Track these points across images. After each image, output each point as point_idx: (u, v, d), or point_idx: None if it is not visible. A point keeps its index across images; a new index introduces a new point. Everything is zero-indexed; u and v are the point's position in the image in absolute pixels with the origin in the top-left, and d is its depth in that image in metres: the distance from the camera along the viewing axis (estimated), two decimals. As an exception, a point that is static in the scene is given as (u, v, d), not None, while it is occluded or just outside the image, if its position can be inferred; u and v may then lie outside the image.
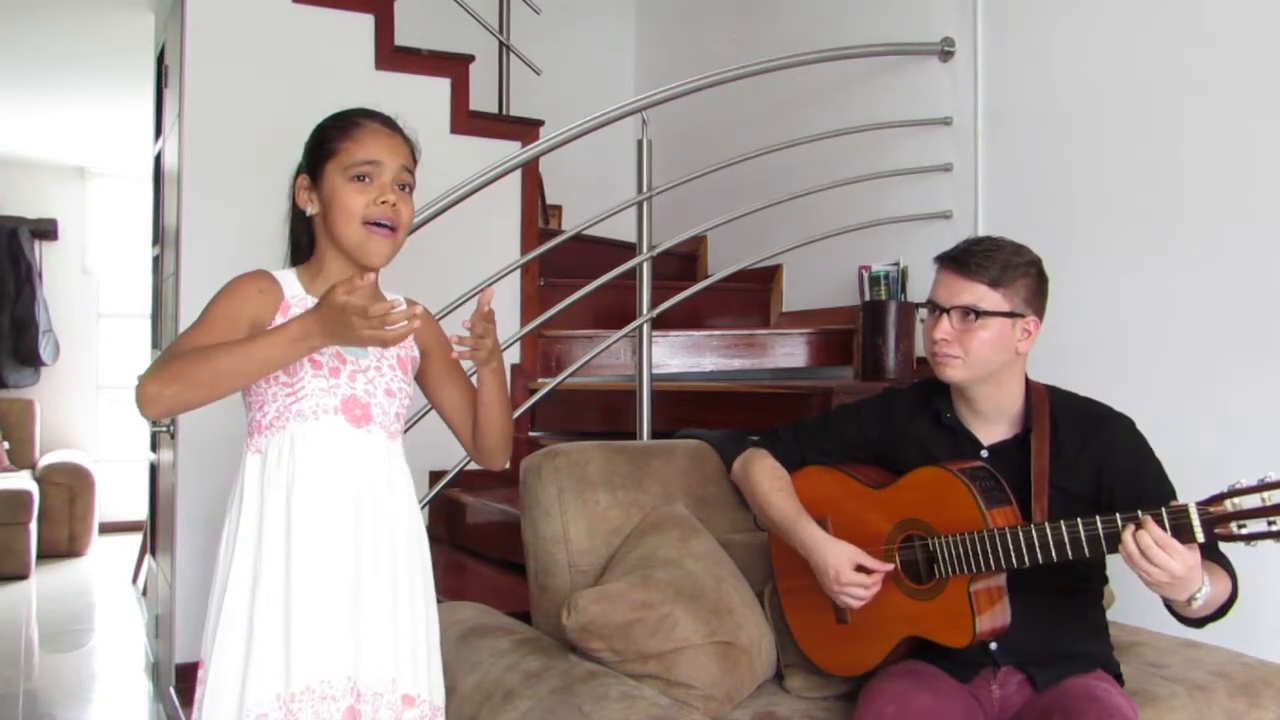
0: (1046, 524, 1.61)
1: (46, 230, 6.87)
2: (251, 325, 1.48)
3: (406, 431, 1.64)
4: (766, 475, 1.93)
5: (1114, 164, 2.75)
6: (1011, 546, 1.63)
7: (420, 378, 1.67)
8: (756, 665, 1.92)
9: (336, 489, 1.49)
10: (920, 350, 3.12)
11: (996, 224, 3.09)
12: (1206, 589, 1.55)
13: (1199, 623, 1.69)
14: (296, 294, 1.53)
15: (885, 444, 1.89)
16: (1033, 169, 2.99)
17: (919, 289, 3.33)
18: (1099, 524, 1.57)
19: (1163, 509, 1.51)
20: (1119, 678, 1.83)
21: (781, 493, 1.90)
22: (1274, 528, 1.43)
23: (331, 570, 1.46)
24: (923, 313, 1.83)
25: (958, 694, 1.73)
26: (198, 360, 1.38)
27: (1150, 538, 1.49)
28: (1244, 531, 1.45)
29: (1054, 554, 1.60)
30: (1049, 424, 1.79)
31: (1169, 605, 1.66)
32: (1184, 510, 1.49)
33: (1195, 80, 2.57)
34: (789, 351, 3.58)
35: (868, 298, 3.43)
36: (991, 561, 1.65)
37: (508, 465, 1.77)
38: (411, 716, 1.51)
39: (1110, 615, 1.94)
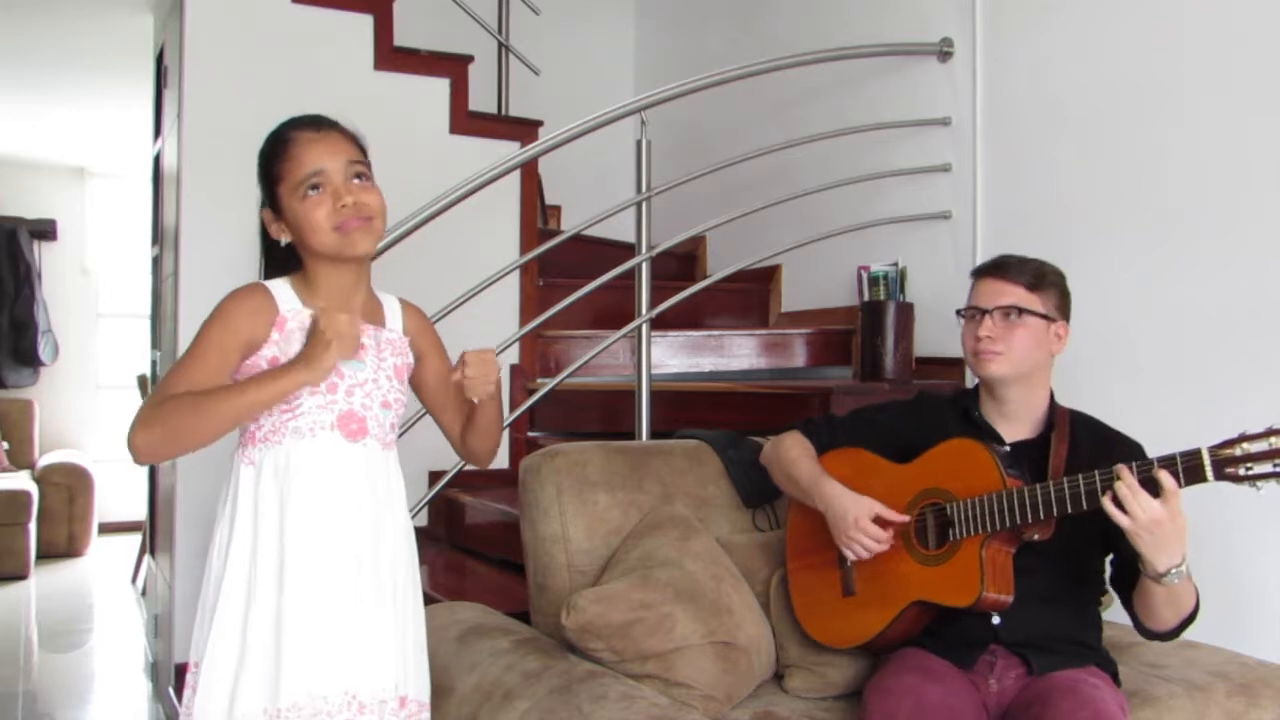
0: (1064, 479, 1.68)
1: (45, 230, 6.86)
2: (246, 348, 1.47)
3: (404, 434, 1.64)
4: (794, 445, 2.01)
5: (1113, 164, 2.75)
6: (1028, 501, 1.69)
7: (414, 381, 1.67)
8: (756, 665, 1.93)
9: (332, 505, 1.48)
10: (920, 350, 3.13)
11: (995, 224, 3.09)
12: (1184, 568, 1.61)
13: (1161, 636, 1.76)
14: (292, 306, 1.51)
15: (911, 437, 1.94)
16: (1031, 169, 2.99)
17: (918, 289, 3.33)
18: (1112, 471, 1.62)
19: (1176, 455, 1.58)
20: (1115, 677, 1.84)
21: (806, 458, 1.98)
22: (1279, 469, 1.51)
23: (327, 585, 1.46)
24: (961, 321, 1.93)
25: (965, 687, 1.75)
26: (186, 410, 1.38)
27: (1126, 488, 1.57)
28: (1251, 473, 1.52)
29: (1069, 506, 1.66)
30: (1069, 431, 1.88)
31: (1138, 619, 1.76)
32: (1196, 453, 1.56)
33: (1194, 80, 2.57)
34: (788, 352, 3.58)
35: (866, 298, 3.43)
36: (1007, 519, 1.70)
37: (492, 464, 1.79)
38: (402, 717, 1.52)
39: (1108, 615, 1.95)
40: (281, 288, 1.53)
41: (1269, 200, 2.41)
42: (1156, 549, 1.59)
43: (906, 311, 3.09)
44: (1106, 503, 1.59)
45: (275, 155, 1.52)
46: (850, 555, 1.85)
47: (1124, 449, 1.85)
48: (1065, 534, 1.77)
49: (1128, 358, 2.67)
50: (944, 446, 1.85)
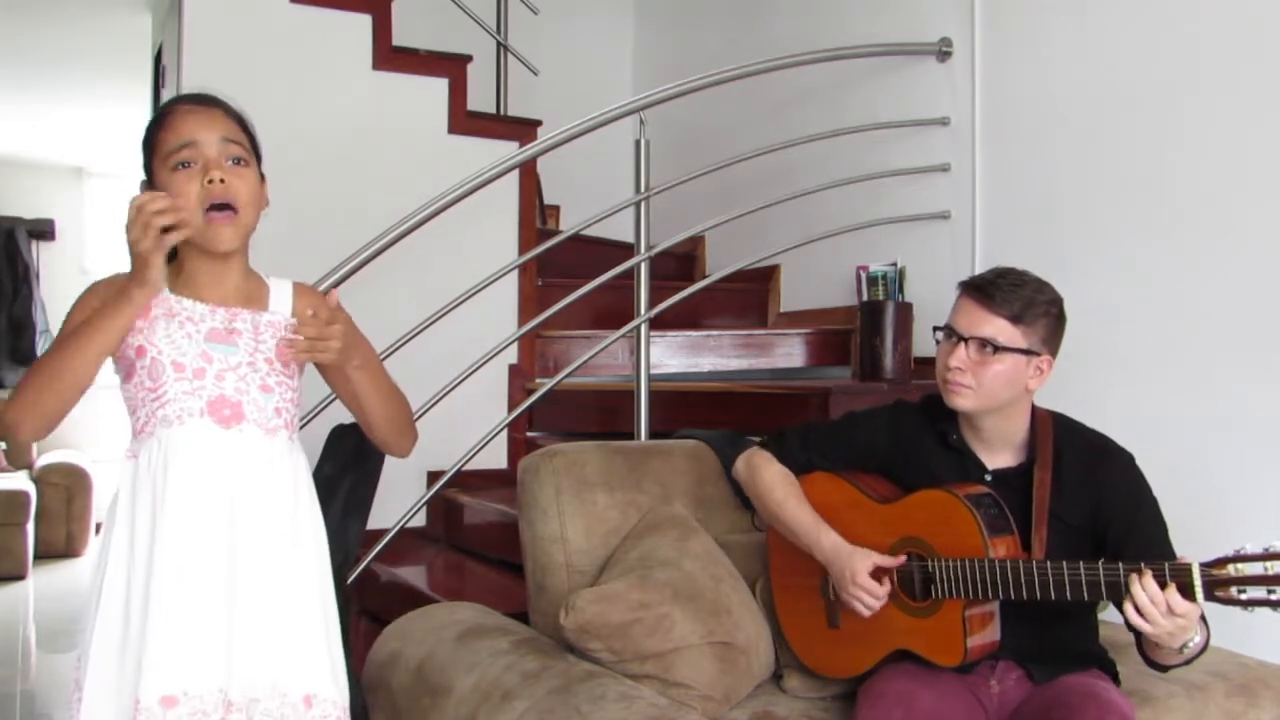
0: (1049, 563, 1.63)
1: (44, 230, 6.86)
2: None
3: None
4: (779, 483, 1.91)
5: (1112, 164, 2.75)
6: (1011, 579, 1.65)
7: (318, 366, 1.58)
8: (754, 665, 1.93)
9: (205, 494, 1.43)
10: (919, 350, 3.13)
11: (994, 224, 3.09)
12: (1198, 638, 1.59)
13: (1165, 668, 1.72)
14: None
15: (892, 457, 1.90)
16: (1030, 169, 2.99)
17: (916, 289, 3.34)
18: (1101, 571, 1.58)
19: (1166, 566, 1.53)
20: (1115, 678, 1.84)
21: (795, 499, 1.89)
22: (1273, 596, 1.46)
23: (196, 579, 1.40)
24: (938, 335, 1.82)
25: (959, 692, 1.74)
26: (45, 363, 1.38)
27: (1147, 597, 1.52)
28: (1243, 597, 1.47)
29: (1053, 593, 1.62)
30: (1052, 454, 1.80)
31: (1145, 653, 1.70)
32: (1187, 569, 1.51)
33: (1192, 80, 2.57)
34: (787, 352, 3.59)
35: (865, 298, 3.43)
36: (990, 591, 1.67)
37: (410, 453, 1.68)
38: (313, 717, 1.44)
39: (1105, 616, 1.95)
40: None
41: (1269, 200, 2.41)
42: (1171, 642, 1.56)
43: (905, 311, 3.09)
44: (1128, 609, 1.53)
45: (155, 124, 1.49)
46: (855, 609, 1.78)
47: (1111, 462, 1.79)
48: (1060, 548, 1.72)
49: (1127, 357, 2.67)
50: (924, 496, 1.78)
